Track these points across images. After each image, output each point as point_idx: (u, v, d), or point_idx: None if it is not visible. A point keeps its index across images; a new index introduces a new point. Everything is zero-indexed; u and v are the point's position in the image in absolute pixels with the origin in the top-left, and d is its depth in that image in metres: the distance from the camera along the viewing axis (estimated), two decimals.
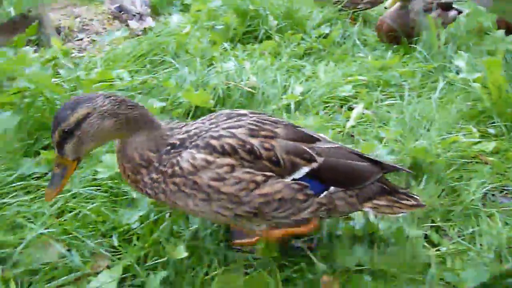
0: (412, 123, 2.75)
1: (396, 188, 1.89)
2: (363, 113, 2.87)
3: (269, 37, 4.05)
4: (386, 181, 1.88)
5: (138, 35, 4.09)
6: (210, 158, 1.58)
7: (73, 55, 3.90)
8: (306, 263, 1.85)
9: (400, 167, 1.92)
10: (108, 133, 1.56)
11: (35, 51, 3.58)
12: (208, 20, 4.15)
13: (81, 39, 4.50)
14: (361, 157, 1.82)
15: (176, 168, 1.59)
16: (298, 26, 4.20)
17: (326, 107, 3.00)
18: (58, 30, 4.47)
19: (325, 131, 2.61)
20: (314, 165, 1.68)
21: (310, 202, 1.70)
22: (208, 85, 2.90)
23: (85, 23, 4.84)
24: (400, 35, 3.93)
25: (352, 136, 2.73)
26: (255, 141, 1.62)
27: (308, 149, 1.68)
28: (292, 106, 2.88)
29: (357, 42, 4.09)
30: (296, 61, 3.65)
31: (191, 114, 2.70)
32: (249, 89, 2.96)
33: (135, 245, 1.90)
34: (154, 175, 1.62)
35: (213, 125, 1.69)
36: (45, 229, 1.95)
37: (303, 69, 3.54)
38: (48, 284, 1.75)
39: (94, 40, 4.43)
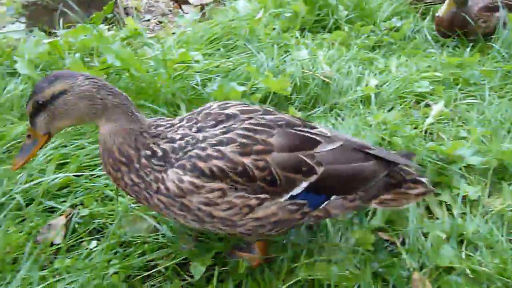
0: (495, 124, 2.65)
1: (404, 175, 1.79)
2: (442, 111, 2.78)
3: (337, 28, 3.98)
4: (393, 173, 1.78)
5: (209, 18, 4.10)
6: (198, 182, 1.45)
7: None
8: (394, 258, 1.83)
9: (410, 162, 1.82)
10: (82, 115, 1.48)
11: (109, 30, 3.67)
12: (275, 7, 4.11)
13: (148, 20, 4.57)
14: (366, 153, 1.71)
15: (161, 186, 1.49)
16: (367, 17, 4.11)
17: (403, 102, 2.93)
18: (125, 11, 4.55)
19: (403, 127, 2.54)
20: (313, 178, 1.57)
21: (307, 218, 1.65)
22: (284, 73, 2.88)
23: (151, 4, 4.90)
24: (462, 29, 3.76)
25: (431, 134, 2.66)
26: (247, 160, 1.47)
27: (307, 159, 1.56)
28: (373, 99, 2.82)
29: (429, 37, 3.96)
30: (367, 53, 3.58)
31: (268, 100, 2.69)
32: (325, 79, 2.92)
33: None
34: (134, 178, 1.52)
35: (200, 134, 1.53)
36: (134, 203, 2.00)
37: (375, 61, 3.47)
38: (140, 258, 1.80)
39: (160, 22, 4.49)
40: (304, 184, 1.56)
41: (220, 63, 2.99)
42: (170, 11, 4.78)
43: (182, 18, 3.84)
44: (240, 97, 2.53)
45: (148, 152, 1.51)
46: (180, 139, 1.53)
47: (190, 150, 1.49)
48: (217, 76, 2.84)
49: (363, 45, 3.72)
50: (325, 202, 1.64)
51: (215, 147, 1.48)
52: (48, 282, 1.65)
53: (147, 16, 4.61)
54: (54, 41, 2.88)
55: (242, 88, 2.56)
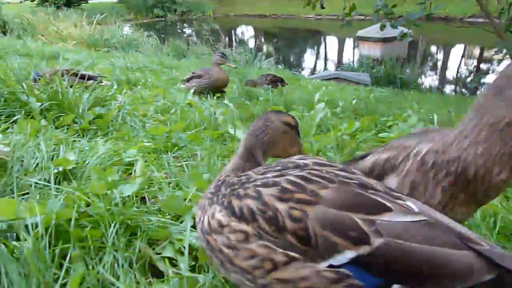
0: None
1: None
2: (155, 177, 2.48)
3: (32, 118, 3.35)
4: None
5: None
6: (225, 220, 1.28)
7: None
8: None
9: None
10: None
11: None
12: None
13: None
14: (464, 240, 1.15)
15: (204, 219, 1.40)
16: (67, 109, 3.65)
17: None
18: None
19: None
20: (365, 249, 1.11)
21: None
22: None
23: None
24: None
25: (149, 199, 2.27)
26: (282, 206, 1.20)
27: (361, 224, 1.13)
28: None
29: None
30: (69, 136, 3.08)
31: None
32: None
33: None
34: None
35: (258, 176, 1.36)
36: None
37: (77, 144, 2.98)
38: None
39: None
40: (349, 254, 1.12)
41: None
42: None
43: None
44: None
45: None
46: (239, 177, 1.44)
47: (236, 189, 1.37)
48: None
49: (66, 131, 3.22)
50: None
51: (257, 187, 1.30)
52: None
53: None
54: None
55: None
